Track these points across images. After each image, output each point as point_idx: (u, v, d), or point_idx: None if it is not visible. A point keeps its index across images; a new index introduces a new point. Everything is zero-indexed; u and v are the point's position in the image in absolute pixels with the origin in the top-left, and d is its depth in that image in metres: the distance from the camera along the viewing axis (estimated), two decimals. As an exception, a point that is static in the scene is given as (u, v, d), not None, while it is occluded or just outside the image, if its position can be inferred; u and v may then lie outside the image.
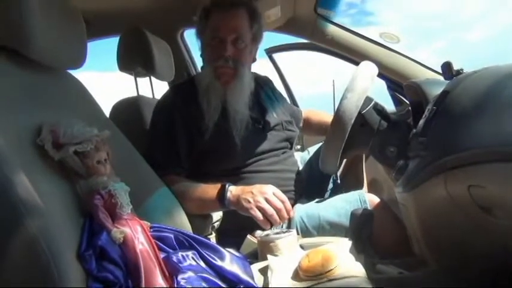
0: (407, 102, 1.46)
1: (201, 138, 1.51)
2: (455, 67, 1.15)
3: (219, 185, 1.34)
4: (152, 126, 1.58)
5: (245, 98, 1.56)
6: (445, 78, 1.17)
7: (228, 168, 1.53)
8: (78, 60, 1.13)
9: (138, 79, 1.90)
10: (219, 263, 0.98)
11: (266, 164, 1.59)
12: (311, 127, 2.03)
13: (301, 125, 2.00)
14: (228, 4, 1.50)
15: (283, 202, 1.25)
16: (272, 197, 1.25)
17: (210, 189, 1.35)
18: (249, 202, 1.25)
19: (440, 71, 1.22)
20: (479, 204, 0.84)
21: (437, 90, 1.10)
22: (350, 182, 1.87)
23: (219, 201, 1.32)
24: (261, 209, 1.23)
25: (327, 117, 1.86)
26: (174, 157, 1.49)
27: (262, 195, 1.25)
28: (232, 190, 1.31)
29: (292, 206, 1.52)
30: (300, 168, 1.85)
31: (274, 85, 1.89)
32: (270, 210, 1.23)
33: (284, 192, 1.36)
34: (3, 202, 0.73)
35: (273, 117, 1.68)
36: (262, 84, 1.76)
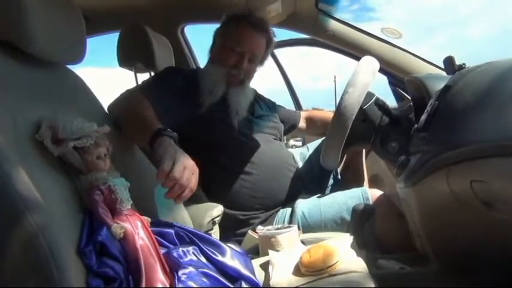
0: (409, 97, 1.46)
1: (196, 111, 1.58)
2: (457, 62, 1.15)
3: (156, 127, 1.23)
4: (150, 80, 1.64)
5: (246, 100, 1.71)
6: (447, 73, 1.16)
7: (225, 145, 1.60)
8: (77, 55, 1.12)
9: (137, 75, 1.89)
10: (220, 258, 0.98)
11: (261, 141, 1.66)
12: (315, 127, 2.06)
13: (300, 125, 2.04)
14: (259, 26, 1.68)
15: (191, 190, 1.10)
16: (188, 174, 1.09)
17: (150, 124, 1.26)
18: (169, 162, 1.08)
19: (442, 66, 1.22)
20: (482, 199, 0.83)
21: (439, 85, 1.10)
22: (351, 178, 1.87)
23: (150, 139, 1.19)
24: (171, 175, 1.06)
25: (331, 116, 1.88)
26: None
27: (183, 164, 1.09)
28: (165, 141, 1.18)
29: (290, 196, 1.62)
30: (300, 164, 1.85)
31: (258, 93, 1.94)
32: (175, 181, 1.06)
33: (279, 174, 1.57)
34: (3, 198, 0.73)
35: (260, 110, 1.81)
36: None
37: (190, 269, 0.89)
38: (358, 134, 1.35)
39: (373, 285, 0.87)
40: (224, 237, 1.43)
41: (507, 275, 1.03)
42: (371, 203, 1.50)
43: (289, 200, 1.62)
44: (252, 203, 1.57)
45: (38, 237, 0.72)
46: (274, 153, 1.67)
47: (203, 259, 0.96)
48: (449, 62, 1.14)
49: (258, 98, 1.87)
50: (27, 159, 0.82)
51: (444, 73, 1.22)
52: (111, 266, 0.84)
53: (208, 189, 1.54)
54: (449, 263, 1.14)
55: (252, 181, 1.58)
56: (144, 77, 1.92)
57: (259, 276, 1.02)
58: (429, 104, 1.10)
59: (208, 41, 1.76)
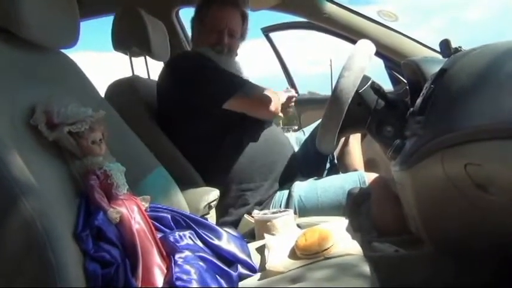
0: (405, 81, 1.45)
1: None
2: (453, 45, 1.14)
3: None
4: (202, 69, 1.63)
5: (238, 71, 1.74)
6: (443, 56, 1.16)
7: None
8: (71, 39, 1.11)
9: (132, 59, 1.87)
10: (216, 242, 0.99)
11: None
12: None
13: None
14: (230, 3, 1.74)
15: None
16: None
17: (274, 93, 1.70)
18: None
19: (438, 49, 1.21)
20: (476, 182, 0.84)
21: (435, 68, 1.10)
22: (347, 162, 1.87)
23: None
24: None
25: None
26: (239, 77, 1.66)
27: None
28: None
29: (287, 178, 1.66)
30: (296, 148, 1.86)
31: None
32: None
33: (275, 150, 1.67)
34: (-2, 183, 0.73)
35: None
36: None
37: (187, 253, 0.90)
38: (353, 117, 1.35)
39: (367, 268, 0.87)
40: (220, 221, 1.44)
41: (500, 257, 1.04)
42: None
43: (285, 182, 1.62)
44: (250, 175, 1.60)
45: (34, 221, 0.72)
46: (268, 130, 1.70)
47: (199, 243, 0.97)
48: (445, 45, 1.14)
49: None
50: (22, 144, 0.82)
51: (440, 56, 1.21)
52: (107, 250, 0.84)
53: (205, 169, 1.56)
54: (443, 246, 1.15)
55: (250, 154, 1.61)
56: (139, 60, 1.91)
57: (255, 260, 1.03)
58: (425, 88, 1.10)
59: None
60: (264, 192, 1.61)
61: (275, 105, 1.66)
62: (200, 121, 1.60)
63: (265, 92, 1.67)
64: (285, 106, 1.79)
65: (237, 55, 1.81)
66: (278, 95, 1.73)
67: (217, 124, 1.61)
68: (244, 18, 1.79)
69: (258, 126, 1.67)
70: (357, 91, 1.32)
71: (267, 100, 1.64)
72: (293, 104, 1.87)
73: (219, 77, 1.61)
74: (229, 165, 1.60)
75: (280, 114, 1.74)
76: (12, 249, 0.73)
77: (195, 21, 1.80)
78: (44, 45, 1.06)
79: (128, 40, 1.76)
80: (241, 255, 1.00)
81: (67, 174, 0.92)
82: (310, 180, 1.63)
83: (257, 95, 1.65)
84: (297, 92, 2.72)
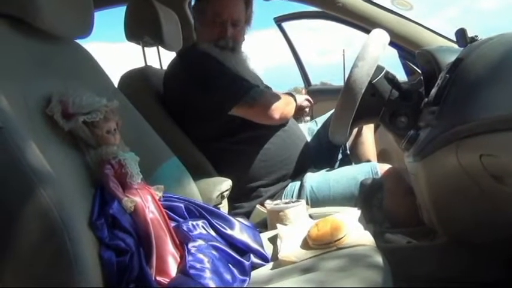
0: (420, 71, 1.44)
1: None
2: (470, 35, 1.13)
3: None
4: (208, 71, 1.59)
5: (245, 67, 1.72)
6: (459, 46, 1.14)
7: None
8: (85, 29, 1.11)
9: (145, 49, 1.87)
10: (228, 231, 0.99)
11: None
12: None
13: None
14: None
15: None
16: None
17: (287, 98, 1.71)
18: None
19: (453, 39, 1.20)
20: (491, 173, 0.83)
21: (451, 58, 1.08)
22: (359, 153, 1.87)
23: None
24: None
25: None
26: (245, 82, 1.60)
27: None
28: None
29: (299, 169, 1.65)
30: (308, 139, 1.85)
31: None
32: None
33: (291, 145, 1.66)
34: (15, 171, 0.74)
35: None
36: None
37: (200, 242, 0.91)
38: (367, 108, 1.35)
39: (380, 259, 0.87)
40: (233, 211, 1.45)
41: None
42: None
43: (297, 174, 1.62)
44: (264, 172, 1.60)
45: (51, 210, 0.73)
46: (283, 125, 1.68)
47: (212, 232, 0.97)
48: (461, 34, 1.12)
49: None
50: (37, 133, 0.83)
51: (455, 46, 1.20)
52: (122, 239, 0.85)
53: (219, 163, 1.56)
54: (456, 237, 1.15)
55: (264, 151, 1.60)
56: (152, 51, 1.91)
57: (268, 250, 1.04)
58: (440, 78, 1.09)
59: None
60: (277, 187, 1.61)
61: (282, 112, 1.61)
62: (208, 121, 1.59)
63: (274, 97, 1.62)
64: (297, 110, 1.78)
65: (244, 40, 1.74)
66: (294, 99, 1.72)
67: (227, 124, 1.59)
68: (247, 3, 1.70)
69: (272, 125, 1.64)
70: (370, 81, 1.31)
71: (272, 107, 1.58)
72: (309, 107, 1.92)
73: (225, 82, 1.55)
74: (242, 162, 1.60)
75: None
76: (29, 237, 0.74)
77: (195, 10, 1.75)
78: (58, 35, 1.06)
79: (140, 30, 1.76)
80: (254, 245, 1.00)
81: (82, 164, 0.93)
82: (322, 171, 1.63)
83: (263, 102, 1.58)
84: (309, 83, 2.71)
